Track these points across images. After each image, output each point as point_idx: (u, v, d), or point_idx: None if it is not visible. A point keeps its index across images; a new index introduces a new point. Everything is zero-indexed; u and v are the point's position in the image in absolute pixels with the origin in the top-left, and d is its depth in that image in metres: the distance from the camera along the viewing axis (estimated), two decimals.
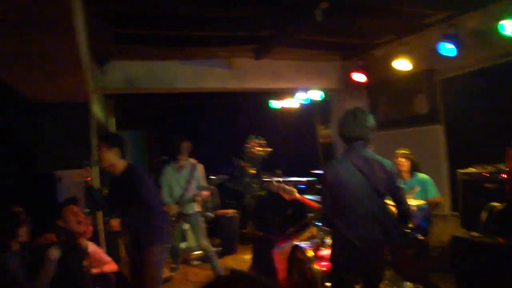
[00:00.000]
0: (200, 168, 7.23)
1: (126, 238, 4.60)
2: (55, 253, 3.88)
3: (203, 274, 7.67)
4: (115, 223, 4.45)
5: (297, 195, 4.35)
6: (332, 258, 4.04)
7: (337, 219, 3.88)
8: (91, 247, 5.32)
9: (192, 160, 7.21)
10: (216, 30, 6.53)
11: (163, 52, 7.25)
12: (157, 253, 4.53)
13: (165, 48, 7.16)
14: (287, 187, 4.35)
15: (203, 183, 7.17)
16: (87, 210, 8.02)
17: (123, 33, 6.24)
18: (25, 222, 4.36)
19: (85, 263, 4.72)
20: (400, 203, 4.00)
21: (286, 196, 4.37)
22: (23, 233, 4.32)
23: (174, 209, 6.81)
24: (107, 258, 5.70)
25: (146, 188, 4.57)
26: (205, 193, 7.17)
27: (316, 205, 4.28)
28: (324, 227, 5.96)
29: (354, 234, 3.77)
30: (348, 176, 3.77)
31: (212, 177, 7.30)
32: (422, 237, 5.58)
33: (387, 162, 3.93)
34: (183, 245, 8.18)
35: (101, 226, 7.02)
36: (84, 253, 4.70)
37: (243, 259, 8.34)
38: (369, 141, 3.94)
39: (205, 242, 7.00)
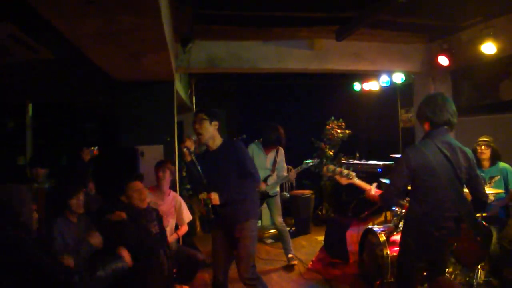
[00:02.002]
0: (282, 152, 7.33)
1: (209, 213, 4.63)
2: (96, 240, 3.80)
3: (275, 252, 7.82)
4: (215, 196, 4.41)
5: (356, 179, 4.16)
6: (405, 244, 3.98)
7: (415, 204, 3.84)
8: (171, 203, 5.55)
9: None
10: (298, 10, 6.52)
11: (245, 32, 7.32)
12: (254, 227, 4.68)
13: (247, 28, 7.23)
14: (345, 170, 4.17)
15: (284, 166, 7.31)
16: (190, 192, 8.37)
17: (205, 14, 6.36)
18: (77, 194, 4.54)
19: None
20: (478, 192, 3.92)
21: (343, 181, 4.17)
22: (75, 204, 4.52)
23: (263, 187, 6.96)
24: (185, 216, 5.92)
25: (250, 160, 4.74)
26: (294, 175, 7.29)
27: (374, 192, 4.14)
28: (396, 210, 5.94)
29: (432, 222, 3.73)
30: (435, 161, 3.68)
31: (306, 161, 7.38)
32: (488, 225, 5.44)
33: (468, 150, 3.86)
34: (258, 223, 8.35)
35: None
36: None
37: (316, 240, 8.40)
38: (453, 127, 3.87)
39: (280, 220, 7.10)
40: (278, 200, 7.23)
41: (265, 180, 7.08)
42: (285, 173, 7.28)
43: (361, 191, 4.19)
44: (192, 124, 4.68)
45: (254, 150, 7.18)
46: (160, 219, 5.10)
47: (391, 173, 4.00)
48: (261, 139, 7.22)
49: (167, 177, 5.76)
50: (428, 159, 3.69)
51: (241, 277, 4.55)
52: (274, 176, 7.18)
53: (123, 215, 4.62)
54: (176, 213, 5.88)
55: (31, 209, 3.22)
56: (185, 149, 4.48)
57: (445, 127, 3.81)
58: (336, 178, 4.23)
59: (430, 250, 3.83)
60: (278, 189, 7.32)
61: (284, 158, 7.34)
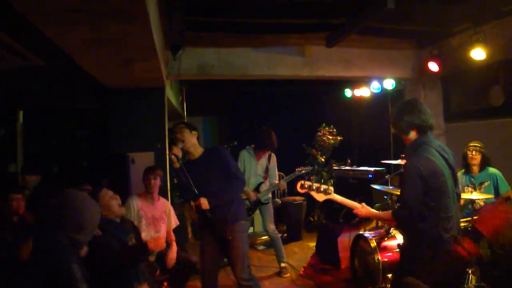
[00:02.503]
0: (274, 158, 7.34)
1: (200, 219, 4.72)
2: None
3: (267, 259, 7.81)
4: (204, 200, 4.51)
5: (336, 196, 3.87)
6: (416, 254, 3.64)
7: (428, 214, 3.53)
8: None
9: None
10: (289, 17, 6.53)
11: (235, 39, 7.33)
12: (244, 227, 4.83)
13: (238, 35, 7.24)
14: (323, 186, 3.82)
15: (276, 174, 7.32)
16: (180, 200, 8.36)
17: (196, 21, 6.36)
18: None
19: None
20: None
21: (320, 198, 3.83)
22: None
23: (253, 196, 6.98)
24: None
25: (233, 162, 4.92)
26: (284, 184, 7.46)
27: (356, 206, 3.89)
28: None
29: (446, 231, 3.54)
30: (442, 169, 3.54)
31: (298, 169, 7.40)
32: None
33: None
34: (249, 230, 8.34)
35: None
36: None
37: (308, 247, 8.41)
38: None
39: (272, 227, 7.09)
40: (270, 207, 7.24)
41: (258, 187, 7.09)
42: (276, 181, 7.29)
43: (353, 197, 4.03)
44: (173, 135, 4.81)
45: (245, 156, 7.19)
46: (136, 230, 5.00)
47: (402, 191, 3.65)
48: (253, 145, 7.22)
49: (157, 183, 5.77)
50: (437, 167, 3.52)
51: (238, 279, 4.64)
52: (267, 183, 7.17)
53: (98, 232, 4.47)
54: (168, 218, 5.87)
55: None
56: (173, 156, 4.60)
57: (430, 131, 3.74)
58: (312, 194, 3.87)
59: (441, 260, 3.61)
60: (270, 195, 7.32)
61: (276, 164, 7.35)
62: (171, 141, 4.81)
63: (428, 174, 3.46)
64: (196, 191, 4.52)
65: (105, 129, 7.26)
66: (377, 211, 3.76)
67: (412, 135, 3.71)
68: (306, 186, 3.85)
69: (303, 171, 7.40)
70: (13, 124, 8.15)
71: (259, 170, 7.16)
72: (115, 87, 6.86)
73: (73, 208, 3.17)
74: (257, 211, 7.29)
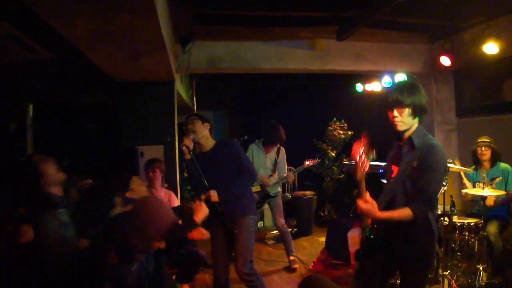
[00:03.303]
0: (283, 152, 7.31)
1: (210, 212, 4.66)
2: None
3: (276, 253, 7.77)
4: (214, 193, 4.47)
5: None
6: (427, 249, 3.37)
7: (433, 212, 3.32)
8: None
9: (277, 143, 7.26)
10: (299, 10, 6.49)
11: (245, 33, 7.30)
12: (252, 222, 4.76)
13: (248, 29, 7.21)
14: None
15: (285, 167, 7.29)
16: (190, 194, 8.36)
17: (205, 14, 6.35)
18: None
19: None
20: None
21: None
22: None
23: (266, 180, 6.97)
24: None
25: (245, 156, 4.87)
26: (292, 177, 7.31)
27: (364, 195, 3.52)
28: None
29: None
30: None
31: (307, 162, 7.37)
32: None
33: None
34: (259, 224, 8.31)
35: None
36: None
37: (318, 241, 8.35)
38: None
39: (281, 221, 7.06)
40: (279, 201, 7.20)
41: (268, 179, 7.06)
42: (285, 174, 7.24)
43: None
44: (185, 126, 4.75)
45: (254, 150, 7.16)
46: None
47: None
48: (262, 139, 7.19)
49: (157, 176, 5.78)
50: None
51: (238, 273, 4.59)
52: (276, 176, 7.13)
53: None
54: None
55: None
56: (184, 147, 4.55)
57: None
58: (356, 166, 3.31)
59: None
60: (280, 189, 7.29)
61: (285, 158, 7.31)
62: (182, 132, 4.76)
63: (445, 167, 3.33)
64: (207, 184, 4.48)
65: (114, 123, 7.26)
66: (388, 212, 3.17)
67: (417, 121, 3.35)
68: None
69: (311, 164, 7.38)
70: (23, 118, 8.17)
71: (267, 164, 7.13)
72: (124, 81, 6.84)
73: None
74: (267, 205, 7.25)
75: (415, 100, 3.21)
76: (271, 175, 7.07)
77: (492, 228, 5.55)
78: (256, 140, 7.26)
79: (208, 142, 4.78)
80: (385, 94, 3.39)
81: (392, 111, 3.26)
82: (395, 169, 3.40)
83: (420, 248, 3.25)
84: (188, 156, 4.56)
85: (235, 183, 4.65)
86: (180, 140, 4.63)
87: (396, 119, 3.25)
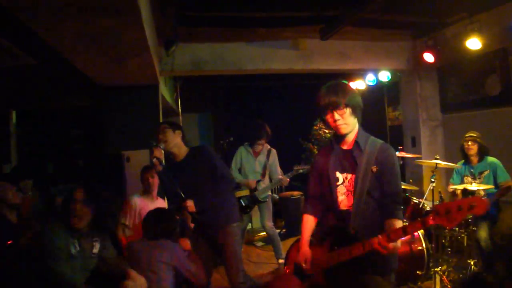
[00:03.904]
0: (274, 154, 7.17)
1: (195, 222, 4.57)
2: None
3: (265, 255, 7.76)
4: (190, 203, 4.30)
5: None
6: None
7: None
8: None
9: (267, 146, 7.14)
10: (282, 10, 6.48)
11: (229, 34, 7.27)
12: (237, 231, 4.65)
13: (231, 30, 7.19)
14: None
15: (278, 169, 7.15)
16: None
17: (188, 16, 6.30)
18: None
19: None
20: None
21: None
22: None
23: (253, 184, 6.86)
24: None
25: (221, 163, 4.66)
26: (287, 181, 7.15)
27: None
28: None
29: None
30: None
31: (296, 167, 7.29)
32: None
33: None
34: (248, 226, 8.27)
35: None
36: None
37: None
38: None
39: (269, 224, 7.01)
40: (269, 205, 7.11)
41: (258, 184, 6.96)
42: (280, 176, 7.07)
43: None
44: (155, 136, 4.61)
45: (243, 153, 7.08)
46: None
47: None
48: (249, 142, 7.11)
49: (156, 182, 5.68)
50: None
51: (232, 284, 4.53)
52: (266, 180, 7.03)
53: None
54: None
55: None
56: (154, 160, 4.41)
57: None
58: None
59: None
60: (269, 193, 7.21)
61: (277, 160, 7.18)
62: (151, 143, 4.59)
63: None
64: (183, 195, 4.31)
65: (99, 128, 7.19)
66: (393, 235, 2.75)
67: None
68: None
69: (301, 170, 7.29)
70: (6, 124, 8.07)
71: (257, 167, 7.02)
72: (108, 85, 6.78)
73: None
74: (256, 208, 7.20)
75: (352, 99, 3.07)
76: (259, 180, 6.97)
77: (483, 234, 5.56)
78: (245, 143, 7.16)
79: (181, 151, 4.61)
80: (317, 98, 3.12)
81: (332, 114, 3.05)
82: (344, 176, 3.13)
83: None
84: (159, 168, 4.42)
85: (212, 191, 4.46)
86: (150, 152, 4.48)
87: (338, 122, 3.03)
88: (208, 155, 4.56)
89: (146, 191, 5.60)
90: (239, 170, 7.05)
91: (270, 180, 7.16)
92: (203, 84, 10.76)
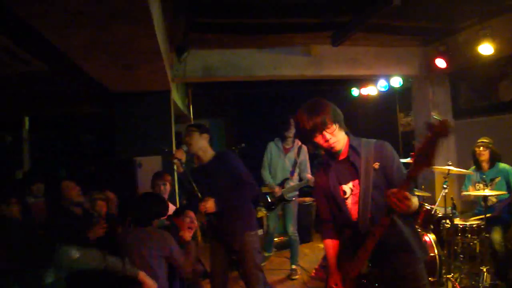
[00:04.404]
0: (305, 151, 7.03)
1: (209, 226, 4.57)
2: None
3: (277, 261, 7.74)
4: (211, 203, 4.28)
5: None
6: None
7: None
8: None
9: (298, 142, 7.00)
10: (293, 17, 6.47)
11: (240, 40, 7.29)
12: (255, 239, 4.58)
13: (242, 36, 7.19)
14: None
15: (308, 167, 7.00)
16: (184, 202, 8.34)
17: (200, 22, 6.32)
18: None
19: None
20: None
21: None
22: None
23: (278, 191, 6.76)
24: None
25: (244, 170, 4.58)
26: (312, 179, 6.97)
27: None
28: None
29: None
30: None
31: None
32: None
33: None
34: (259, 231, 8.25)
35: None
36: None
37: (319, 248, 8.31)
38: None
39: (293, 229, 6.93)
40: (294, 207, 6.99)
41: (282, 183, 6.86)
42: (309, 175, 6.85)
43: None
44: (182, 138, 4.62)
45: (273, 149, 7.00)
46: None
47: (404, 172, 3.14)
48: (279, 138, 7.03)
49: (167, 189, 5.68)
50: None
51: None
52: (294, 179, 6.91)
53: None
54: None
55: None
56: (176, 160, 4.43)
57: None
58: None
59: None
60: (297, 193, 7.07)
61: (307, 158, 7.02)
62: (178, 144, 4.63)
63: None
64: (200, 195, 4.34)
65: (111, 134, 7.22)
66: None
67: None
68: None
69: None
70: (19, 130, 8.13)
71: (287, 164, 6.90)
72: (120, 91, 6.82)
73: None
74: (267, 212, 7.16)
75: (335, 113, 3.03)
76: (287, 178, 6.87)
77: (497, 236, 5.52)
78: (276, 139, 7.07)
79: (207, 154, 4.57)
80: (300, 123, 3.03)
81: (322, 135, 2.95)
82: (349, 186, 3.06)
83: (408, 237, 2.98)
84: (180, 170, 4.44)
85: (233, 195, 4.42)
86: (167, 158, 4.52)
87: (331, 141, 2.96)
88: (232, 161, 4.55)
89: None
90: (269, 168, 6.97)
91: (300, 179, 6.99)
92: (215, 90, 10.77)
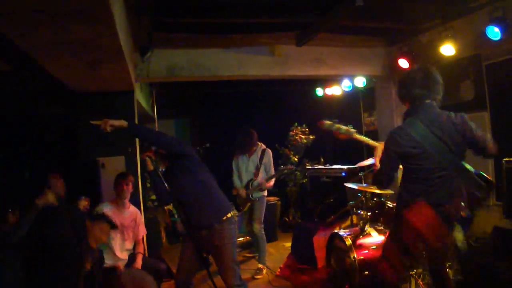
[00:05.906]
0: (269, 154, 7.19)
1: (185, 223, 4.57)
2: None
3: (242, 260, 7.74)
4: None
5: (357, 135, 4.04)
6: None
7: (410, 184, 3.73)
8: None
9: (262, 145, 7.20)
10: (258, 17, 6.49)
11: (204, 40, 7.27)
12: (232, 232, 4.52)
13: (207, 36, 7.19)
14: (343, 126, 4.00)
15: (271, 170, 7.16)
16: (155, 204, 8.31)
17: (164, 22, 6.30)
18: None
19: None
20: (479, 147, 3.81)
21: (342, 136, 4.02)
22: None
23: (243, 193, 6.93)
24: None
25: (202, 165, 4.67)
26: (270, 183, 7.08)
27: (377, 144, 3.99)
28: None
29: (409, 193, 3.72)
30: (420, 140, 3.60)
31: (281, 167, 7.35)
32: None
33: (455, 115, 3.82)
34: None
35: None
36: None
37: (284, 247, 8.37)
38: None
39: (258, 228, 7.02)
40: (262, 206, 7.11)
41: (247, 185, 6.99)
42: (259, 180, 7.05)
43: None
44: None
45: (239, 156, 7.19)
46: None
47: (381, 158, 3.78)
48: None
49: (130, 189, 5.64)
50: (411, 136, 3.61)
51: (230, 286, 4.47)
52: (258, 180, 7.01)
53: None
54: (136, 226, 5.74)
55: None
56: (147, 158, 4.45)
57: (418, 103, 3.80)
58: (335, 134, 4.07)
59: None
60: (265, 193, 7.20)
61: (271, 160, 7.18)
62: (141, 144, 4.64)
63: (405, 143, 3.60)
64: (171, 193, 4.40)
65: (74, 134, 7.11)
66: None
67: (407, 106, 3.93)
68: (327, 125, 4.02)
69: (285, 171, 7.40)
70: None
71: (250, 167, 7.08)
72: (83, 91, 6.72)
73: None
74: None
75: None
76: (252, 179, 7.01)
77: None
78: (237, 151, 7.28)
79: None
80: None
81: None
82: None
83: None
84: (151, 167, 4.45)
85: (191, 194, 4.45)
86: (143, 151, 4.53)
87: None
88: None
89: (118, 199, 5.57)
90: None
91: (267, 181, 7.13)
92: (180, 90, 10.71)
